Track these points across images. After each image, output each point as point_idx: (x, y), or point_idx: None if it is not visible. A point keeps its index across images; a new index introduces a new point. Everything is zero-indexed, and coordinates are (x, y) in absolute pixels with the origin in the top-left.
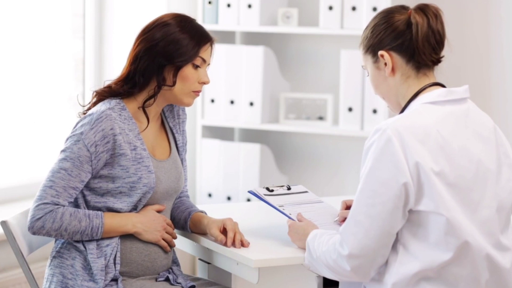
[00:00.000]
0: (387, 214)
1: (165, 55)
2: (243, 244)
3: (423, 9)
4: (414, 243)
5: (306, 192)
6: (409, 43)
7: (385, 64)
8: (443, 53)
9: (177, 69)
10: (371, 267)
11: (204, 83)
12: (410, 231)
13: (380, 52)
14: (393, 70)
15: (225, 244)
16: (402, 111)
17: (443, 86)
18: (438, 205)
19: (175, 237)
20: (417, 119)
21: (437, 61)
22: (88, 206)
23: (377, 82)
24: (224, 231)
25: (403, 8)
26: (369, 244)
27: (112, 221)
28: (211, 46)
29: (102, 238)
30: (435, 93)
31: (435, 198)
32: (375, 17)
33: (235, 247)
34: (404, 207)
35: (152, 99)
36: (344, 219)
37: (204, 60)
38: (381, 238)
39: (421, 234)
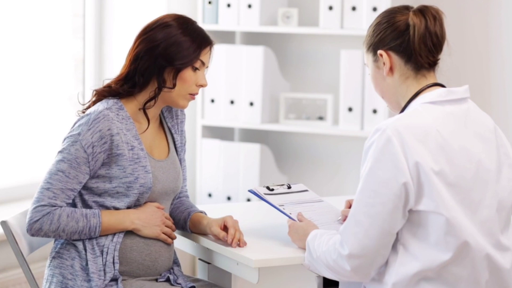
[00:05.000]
0: (387, 214)
1: (166, 57)
2: (239, 244)
3: (422, 11)
4: (414, 243)
5: (306, 191)
6: (407, 44)
7: (384, 63)
8: (443, 54)
9: (177, 71)
10: (371, 267)
11: (202, 85)
12: (410, 231)
13: (379, 52)
14: (391, 70)
15: (226, 241)
16: (402, 111)
17: (443, 86)
18: (438, 205)
19: (174, 230)
20: (417, 118)
21: (434, 63)
22: (86, 205)
23: (377, 81)
24: (225, 229)
25: (406, 8)
26: (369, 244)
27: (109, 219)
28: (211, 50)
29: (101, 237)
30: (435, 93)
31: (435, 198)
32: (378, 16)
33: (232, 246)
34: (404, 207)
35: (153, 101)
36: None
37: (203, 63)
38: (381, 238)
39: (421, 234)
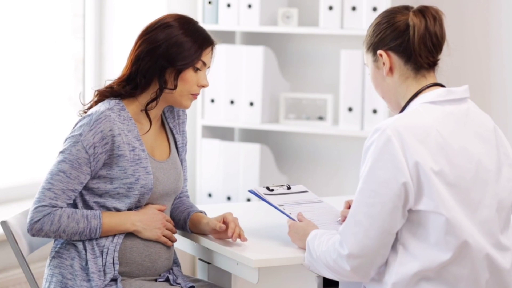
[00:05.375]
0: (387, 214)
1: (167, 58)
2: (240, 238)
3: (422, 11)
4: (414, 243)
5: (306, 191)
6: (407, 45)
7: (384, 63)
8: (443, 54)
9: (178, 72)
10: (371, 267)
11: (203, 86)
12: (410, 231)
13: (379, 52)
14: (391, 70)
15: (225, 232)
16: (402, 110)
17: (442, 86)
18: (438, 204)
19: (175, 232)
20: (416, 118)
21: (433, 63)
22: (87, 206)
23: (377, 81)
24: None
25: (406, 9)
26: (369, 244)
27: (110, 221)
28: (212, 50)
29: (101, 238)
30: (435, 92)
31: (435, 198)
32: (378, 16)
33: (233, 240)
34: (404, 206)
35: (155, 102)
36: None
37: (204, 64)
38: (381, 238)
39: (421, 234)
